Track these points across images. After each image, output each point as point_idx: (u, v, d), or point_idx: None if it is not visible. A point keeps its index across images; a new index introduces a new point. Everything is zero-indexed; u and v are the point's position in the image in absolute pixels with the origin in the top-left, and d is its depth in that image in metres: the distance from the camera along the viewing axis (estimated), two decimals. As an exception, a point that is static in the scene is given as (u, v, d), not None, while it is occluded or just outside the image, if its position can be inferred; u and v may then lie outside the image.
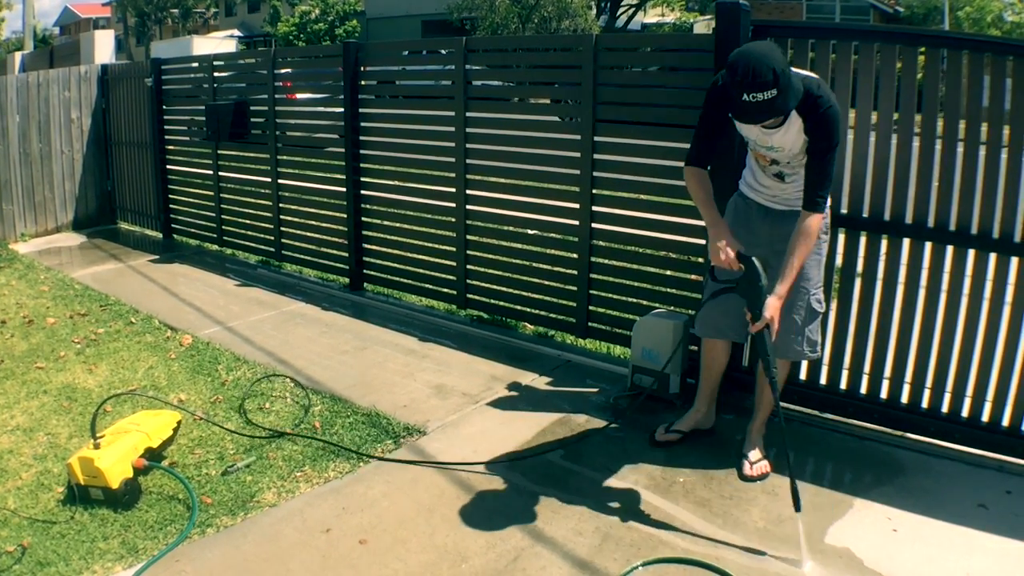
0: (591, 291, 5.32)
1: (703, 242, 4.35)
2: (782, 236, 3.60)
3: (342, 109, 6.74)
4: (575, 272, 5.38)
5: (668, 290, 4.93)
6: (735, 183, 3.94)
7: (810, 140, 3.36)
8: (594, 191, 5.19)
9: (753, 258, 3.40)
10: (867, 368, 4.20)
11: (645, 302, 4.98)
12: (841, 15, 38.84)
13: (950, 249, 3.89)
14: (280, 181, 7.58)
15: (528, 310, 5.72)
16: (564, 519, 3.44)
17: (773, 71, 3.06)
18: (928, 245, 3.95)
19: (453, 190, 6.01)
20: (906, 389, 4.11)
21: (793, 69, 3.29)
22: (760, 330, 3.36)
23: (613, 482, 3.74)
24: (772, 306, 3.36)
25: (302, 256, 7.52)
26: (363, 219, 6.82)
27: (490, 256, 5.95)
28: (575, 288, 5.39)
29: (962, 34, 4.46)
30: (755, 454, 3.83)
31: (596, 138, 5.12)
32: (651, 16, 45.03)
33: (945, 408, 4.01)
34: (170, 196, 9.12)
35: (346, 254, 6.97)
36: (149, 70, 8.90)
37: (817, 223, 3.43)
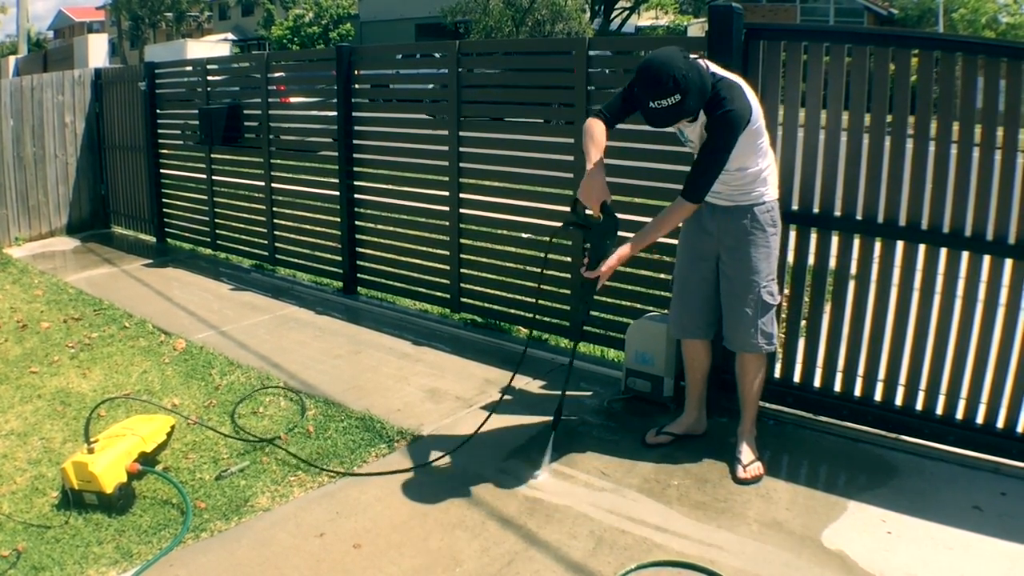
0: (585, 294, 5.31)
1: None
2: (728, 231, 3.78)
3: (335, 113, 6.73)
4: (569, 275, 5.37)
5: (662, 293, 4.93)
6: None
7: (706, 136, 3.49)
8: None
9: (616, 215, 3.58)
10: (861, 370, 4.20)
11: (639, 305, 4.98)
12: (835, 17, 38.96)
13: (944, 251, 3.89)
14: (274, 185, 7.57)
15: (521, 314, 5.71)
16: (558, 523, 3.44)
17: (673, 78, 3.24)
18: (922, 247, 3.95)
19: (446, 194, 6.00)
20: (900, 391, 4.10)
21: (715, 70, 3.47)
22: (591, 279, 3.61)
23: (607, 485, 3.74)
24: (609, 263, 3.57)
25: (296, 260, 7.51)
26: (357, 223, 6.81)
27: (483, 260, 5.94)
28: (569, 292, 5.38)
29: (955, 36, 4.46)
30: (748, 456, 3.84)
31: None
32: (645, 19, 45.13)
33: (940, 410, 4.01)
34: (163, 200, 9.10)
35: (340, 258, 6.97)
36: (143, 74, 8.89)
37: (680, 210, 3.60)
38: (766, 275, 3.76)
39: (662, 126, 3.49)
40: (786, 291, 4.35)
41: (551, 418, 4.28)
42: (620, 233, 3.64)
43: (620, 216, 3.67)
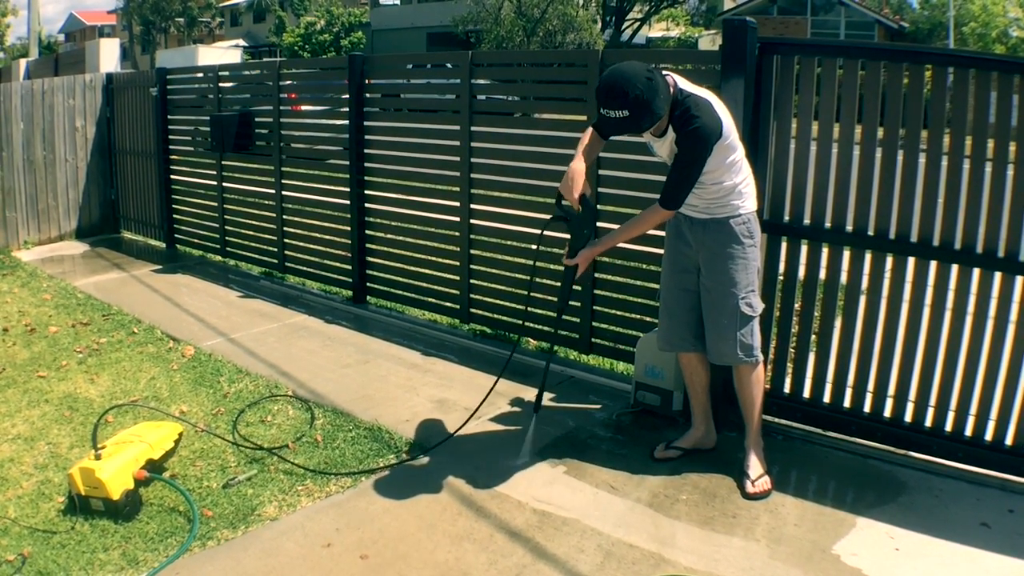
0: (595, 307, 5.31)
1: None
2: (704, 244, 3.84)
3: (347, 121, 6.74)
4: (579, 288, 5.36)
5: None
6: None
7: (676, 151, 3.59)
8: (598, 207, 5.17)
9: (593, 206, 3.86)
10: (871, 387, 4.19)
11: (649, 318, 4.97)
12: (846, 31, 38.98)
13: (955, 267, 3.88)
14: (284, 193, 7.56)
15: (531, 325, 5.70)
16: (566, 536, 3.43)
17: (627, 94, 3.36)
18: (933, 264, 3.94)
19: (457, 204, 6.00)
20: (910, 408, 4.09)
21: (684, 86, 3.55)
22: (569, 267, 3.88)
23: (615, 499, 3.73)
24: (583, 255, 3.85)
25: (305, 268, 7.51)
26: (367, 232, 6.80)
27: (493, 271, 5.93)
28: (578, 304, 5.36)
29: (969, 52, 4.47)
30: (756, 471, 3.83)
31: (600, 154, 5.09)
32: (656, 30, 45.23)
33: (948, 427, 3.99)
34: (174, 206, 9.11)
35: (349, 267, 6.96)
36: (154, 79, 8.91)
37: (655, 215, 3.76)
38: (744, 287, 3.78)
39: (612, 135, 3.79)
40: (796, 305, 4.35)
41: (558, 430, 4.29)
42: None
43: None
